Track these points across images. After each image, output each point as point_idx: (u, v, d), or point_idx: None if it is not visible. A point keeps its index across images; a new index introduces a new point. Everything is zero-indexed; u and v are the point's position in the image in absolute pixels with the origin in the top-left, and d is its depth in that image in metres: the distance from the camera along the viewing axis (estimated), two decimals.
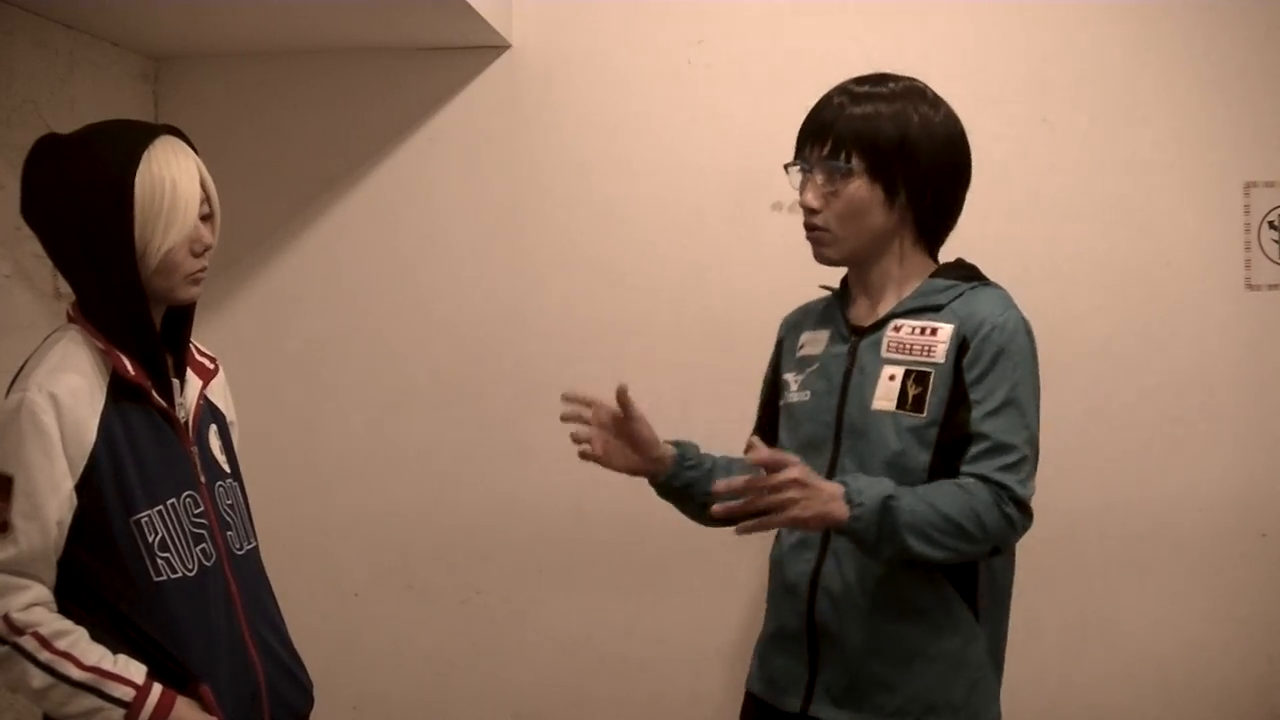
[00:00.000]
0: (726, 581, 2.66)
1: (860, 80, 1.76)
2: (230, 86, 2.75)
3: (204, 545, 1.55)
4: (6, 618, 1.42)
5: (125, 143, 1.51)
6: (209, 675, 1.51)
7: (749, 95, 2.64)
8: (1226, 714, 2.56)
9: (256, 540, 1.71)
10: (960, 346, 1.66)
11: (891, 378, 1.69)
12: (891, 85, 1.73)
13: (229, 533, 1.61)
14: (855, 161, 1.69)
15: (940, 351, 1.67)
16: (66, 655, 1.43)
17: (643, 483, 2.68)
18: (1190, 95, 2.55)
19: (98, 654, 1.45)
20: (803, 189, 1.77)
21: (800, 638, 1.74)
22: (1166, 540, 2.51)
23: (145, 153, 1.50)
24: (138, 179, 1.48)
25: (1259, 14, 2.53)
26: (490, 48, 2.69)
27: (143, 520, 1.48)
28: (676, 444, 1.94)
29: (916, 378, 1.67)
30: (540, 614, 2.73)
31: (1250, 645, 2.56)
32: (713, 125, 2.65)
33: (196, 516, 1.55)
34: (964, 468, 1.62)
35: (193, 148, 1.58)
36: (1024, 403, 1.65)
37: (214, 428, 1.67)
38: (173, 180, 1.51)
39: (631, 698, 2.71)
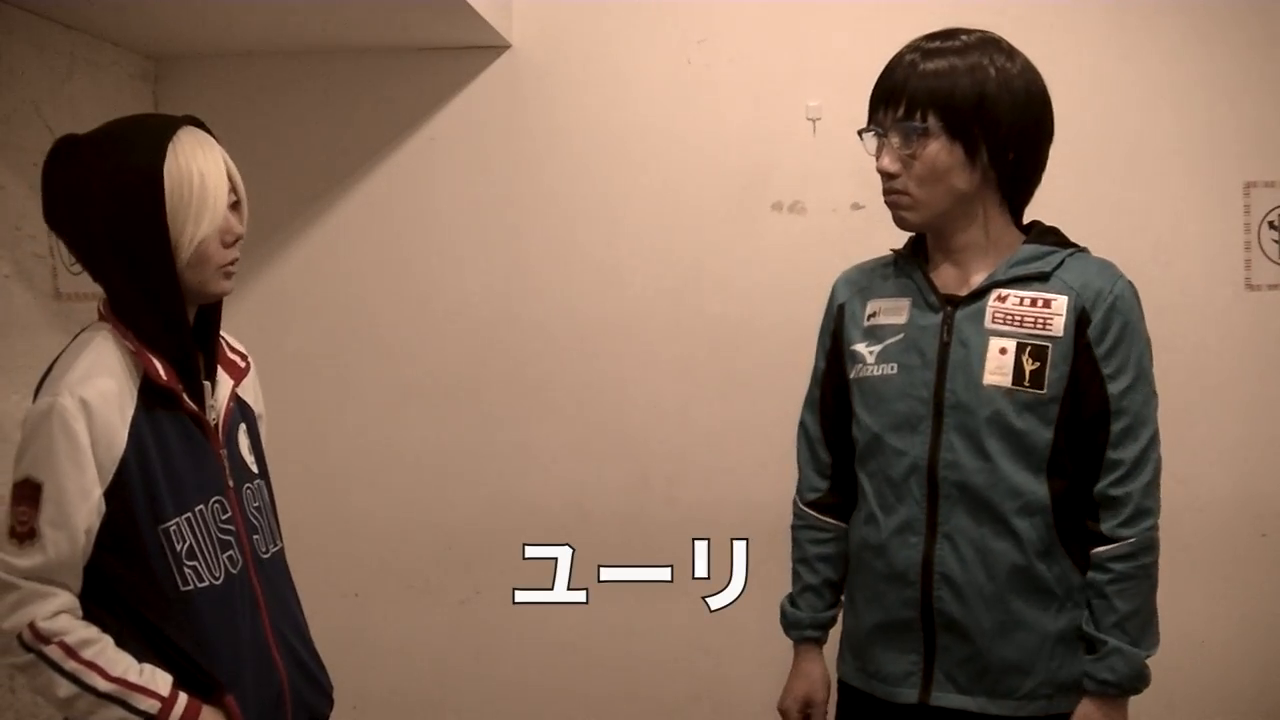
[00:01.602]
0: (726, 580, 2.66)
1: (931, 36, 1.68)
2: (230, 86, 2.75)
3: (231, 552, 1.54)
4: (33, 626, 1.41)
5: (150, 136, 1.48)
6: (234, 683, 1.50)
7: (749, 95, 2.64)
8: (1226, 714, 2.56)
9: (282, 541, 1.69)
10: (1079, 318, 1.61)
11: (1003, 351, 1.62)
12: (964, 38, 1.66)
13: (255, 536, 1.60)
14: (932, 121, 1.61)
15: (1058, 324, 1.61)
16: (92, 665, 1.41)
17: (641, 481, 2.70)
18: (1190, 95, 2.55)
19: (123, 664, 1.43)
20: (879, 154, 1.67)
21: (913, 627, 1.67)
22: (1166, 540, 2.49)
23: (171, 144, 1.48)
24: (166, 171, 1.46)
25: (1259, 15, 2.53)
26: (490, 48, 2.69)
27: (170, 529, 1.47)
28: (817, 637, 1.86)
29: (1033, 351, 1.61)
30: (540, 614, 2.73)
31: (1250, 645, 2.56)
32: (713, 125, 2.65)
33: (224, 522, 1.54)
34: (1111, 453, 1.61)
35: (214, 137, 1.57)
36: (1149, 371, 1.65)
37: (243, 426, 1.65)
38: (201, 171, 1.49)
39: (631, 697, 2.71)
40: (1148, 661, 1.62)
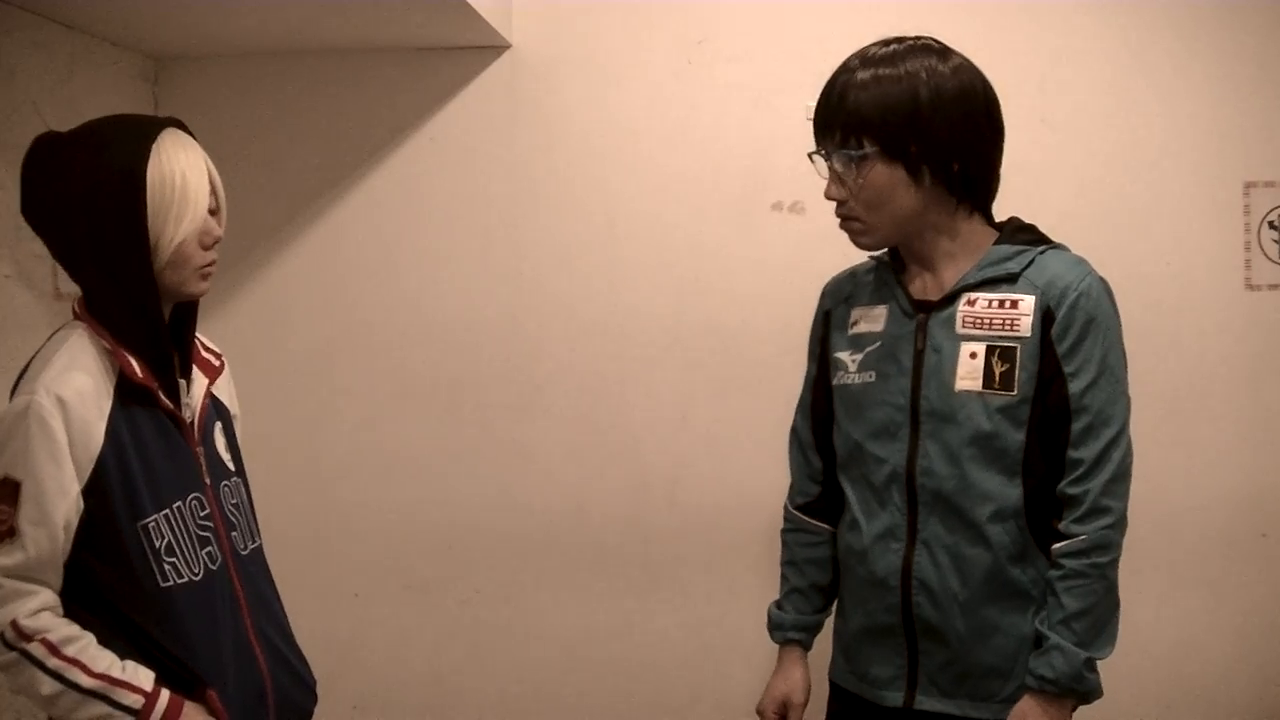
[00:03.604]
0: (726, 581, 2.66)
1: (867, 48, 1.67)
2: (230, 86, 2.75)
3: (210, 548, 1.54)
4: (15, 624, 1.41)
5: (134, 136, 1.50)
6: (217, 679, 1.51)
7: (749, 95, 2.64)
8: (1226, 714, 2.56)
9: (261, 538, 1.70)
10: (1045, 317, 1.60)
11: (973, 355, 1.62)
12: (895, 47, 1.65)
13: (234, 533, 1.61)
14: (868, 146, 1.61)
15: (1025, 325, 1.60)
16: (74, 662, 1.42)
17: (642, 483, 2.70)
18: (1190, 95, 2.55)
19: (106, 661, 1.44)
20: (828, 180, 1.68)
21: (896, 632, 1.68)
22: (1166, 540, 2.51)
23: (154, 146, 1.49)
24: (149, 172, 1.47)
25: (1259, 14, 2.53)
26: (490, 48, 2.69)
27: (149, 525, 1.47)
28: (801, 640, 1.87)
29: (1002, 354, 1.60)
30: (540, 614, 2.73)
31: (1250, 645, 2.56)
32: (713, 125, 2.65)
33: (202, 519, 1.55)
34: (1072, 451, 1.60)
35: (195, 139, 1.57)
36: (1117, 368, 1.62)
37: (219, 425, 1.66)
38: (182, 172, 1.50)
39: (632, 698, 2.71)
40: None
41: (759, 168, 2.64)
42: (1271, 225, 2.54)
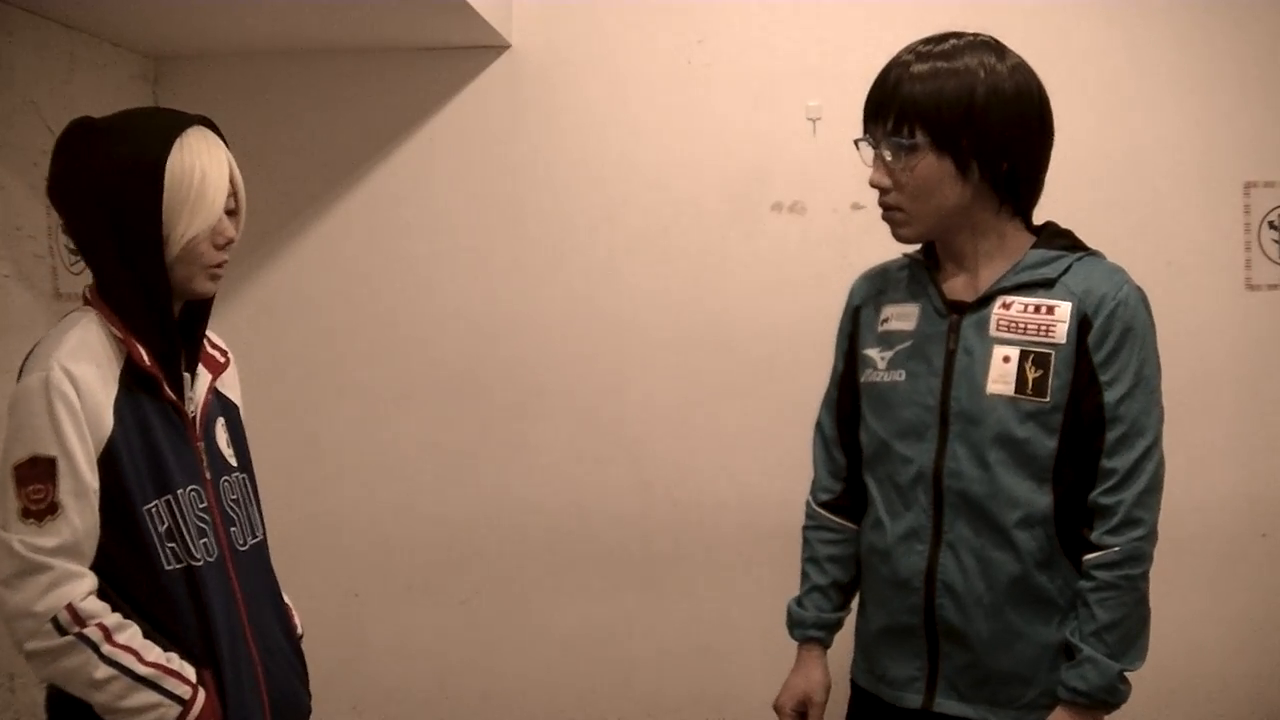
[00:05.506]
0: (727, 580, 2.66)
1: (925, 41, 1.65)
2: (230, 86, 2.75)
3: (206, 540, 1.54)
4: (71, 608, 1.41)
5: (159, 128, 1.51)
6: (211, 665, 1.52)
7: (749, 95, 2.64)
8: (1226, 714, 2.56)
9: (263, 533, 1.70)
10: (1081, 325, 1.58)
11: (1006, 359, 1.60)
12: (954, 42, 1.63)
13: (232, 528, 1.61)
14: (920, 136, 1.59)
15: (1061, 331, 1.59)
16: (128, 649, 1.43)
17: (642, 483, 2.70)
18: (1190, 95, 2.55)
19: (155, 650, 1.45)
20: (873, 167, 1.65)
21: (917, 634, 1.66)
22: (1166, 540, 2.47)
23: (178, 140, 1.50)
24: (168, 164, 1.48)
25: (1259, 14, 2.53)
26: (490, 48, 2.69)
27: (152, 510, 1.48)
28: (821, 638, 1.85)
29: (1036, 359, 1.59)
30: (540, 614, 2.73)
31: (1250, 645, 2.56)
32: (713, 125, 2.65)
33: (200, 510, 1.55)
34: (1105, 461, 1.58)
35: (224, 140, 1.59)
36: (1152, 379, 1.61)
37: (221, 420, 1.66)
38: (203, 169, 1.51)
39: (632, 697, 2.71)
40: (1131, 676, 1.58)
41: (759, 168, 2.64)
42: (1271, 225, 2.54)
